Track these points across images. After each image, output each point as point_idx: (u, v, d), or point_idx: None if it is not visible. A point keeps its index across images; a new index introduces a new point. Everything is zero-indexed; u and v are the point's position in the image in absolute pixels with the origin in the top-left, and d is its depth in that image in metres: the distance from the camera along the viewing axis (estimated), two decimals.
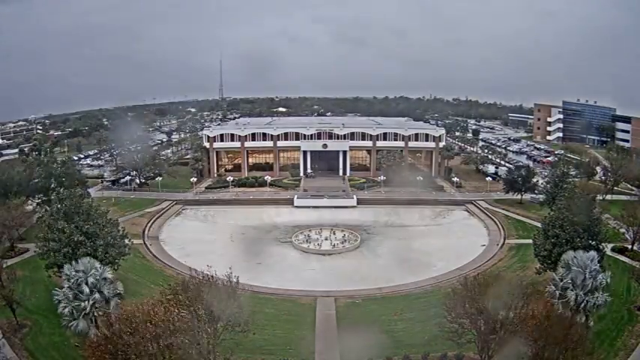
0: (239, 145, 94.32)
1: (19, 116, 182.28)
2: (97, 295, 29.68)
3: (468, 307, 27.19)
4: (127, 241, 42.54)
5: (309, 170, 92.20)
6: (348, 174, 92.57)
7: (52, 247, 37.98)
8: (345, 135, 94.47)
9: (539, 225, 47.94)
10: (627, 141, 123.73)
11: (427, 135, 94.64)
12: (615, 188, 74.75)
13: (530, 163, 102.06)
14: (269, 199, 77.68)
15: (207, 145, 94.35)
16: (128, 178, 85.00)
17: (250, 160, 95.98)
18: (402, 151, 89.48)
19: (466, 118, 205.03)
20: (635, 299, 38.62)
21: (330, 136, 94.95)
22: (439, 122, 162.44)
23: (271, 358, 31.60)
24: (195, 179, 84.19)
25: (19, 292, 37.60)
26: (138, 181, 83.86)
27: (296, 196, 76.40)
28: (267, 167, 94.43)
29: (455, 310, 27.71)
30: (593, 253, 31.50)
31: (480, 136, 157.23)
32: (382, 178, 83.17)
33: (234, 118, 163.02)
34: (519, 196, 72.43)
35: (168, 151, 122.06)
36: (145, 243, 56.86)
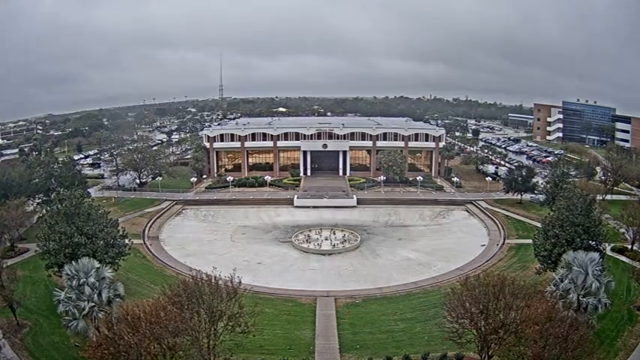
0: (239, 145, 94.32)
1: (19, 116, 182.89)
2: (97, 296, 29.66)
3: (468, 306, 27.18)
4: (126, 241, 42.60)
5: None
6: (348, 174, 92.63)
7: (53, 247, 38.02)
8: (345, 135, 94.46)
9: (539, 225, 48.00)
10: (627, 141, 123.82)
11: (427, 135, 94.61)
12: (615, 188, 74.78)
13: (530, 163, 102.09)
14: (269, 199, 77.68)
15: (207, 145, 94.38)
16: (129, 177, 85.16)
17: (250, 160, 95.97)
18: (402, 151, 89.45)
19: (466, 118, 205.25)
20: (635, 299, 38.62)
21: (330, 136, 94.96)
22: (439, 122, 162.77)
23: (271, 358, 31.59)
24: (195, 179, 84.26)
25: (19, 292, 37.70)
26: (138, 181, 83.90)
27: (296, 196, 76.39)
28: (267, 167, 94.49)
29: (455, 310, 27.69)
30: (595, 254, 31.39)
31: (480, 136, 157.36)
32: (382, 178, 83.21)
33: (234, 118, 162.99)
34: (519, 196, 72.45)
35: (169, 150, 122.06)
36: (145, 243, 56.83)
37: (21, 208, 54.60)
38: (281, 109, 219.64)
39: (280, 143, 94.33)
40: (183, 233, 63.61)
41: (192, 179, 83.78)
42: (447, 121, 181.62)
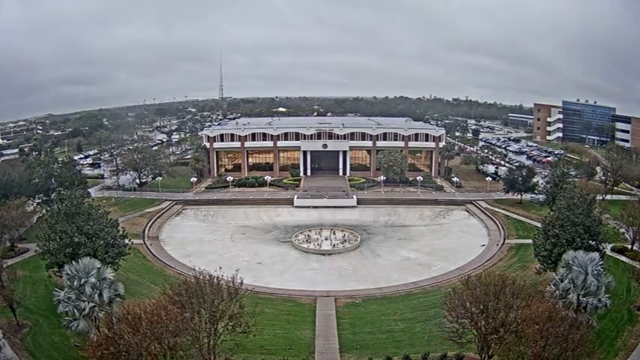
0: (239, 145, 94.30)
1: (19, 116, 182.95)
2: (97, 296, 29.64)
3: (469, 306, 27.17)
4: (126, 241, 42.59)
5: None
6: (348, 174, 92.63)
7: (53, 247, 38.03)
8: (345, 135, 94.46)
9: (539, 225, 48.00)
10: (627, 141, 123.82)
11: (427, 135, 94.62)
12: (615, 188, 74.80)
13: (530, 163, 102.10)
14: (269, 199, 77.65)
15: (207, 145, 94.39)
16: (129, 177, 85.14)
17: (250, 160, 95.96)
18: (402, 151, 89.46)
19: (466, 118, 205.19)
20: (635, 299, 38.64)
21: (330, 136, 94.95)
22: (439, 122, 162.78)
23: (271, 358, 31.60)
24: (195, 179, 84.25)
25: (19, 292, 37.70)
26: (138, 181, 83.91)
27: (296, 196, 76.37)
28: (267, 167, 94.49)
29: (455, 310, 27.69)
30: (595, 254, 31.39)
31: (480, 136, 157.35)
32: (382, 178, 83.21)
33: (234, 118, 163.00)
34: (519, 196, 72.44)
35: (169, 151, 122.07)
36: (145, 243, 56.83)
37: (21, 208, 54.60)
38: (281, 109, 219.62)
39: (280, 143, 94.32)
40: (183, 233, 63.62)
41: (192, 179, 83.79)
42: (447, 121, 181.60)
